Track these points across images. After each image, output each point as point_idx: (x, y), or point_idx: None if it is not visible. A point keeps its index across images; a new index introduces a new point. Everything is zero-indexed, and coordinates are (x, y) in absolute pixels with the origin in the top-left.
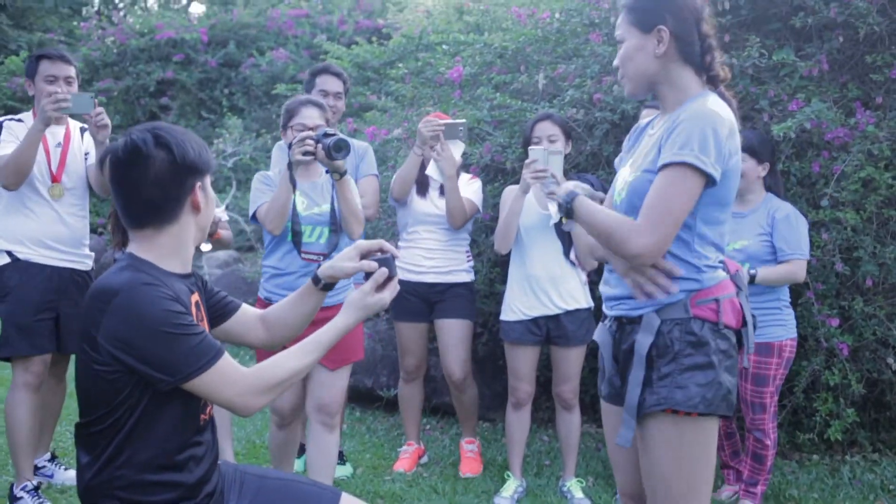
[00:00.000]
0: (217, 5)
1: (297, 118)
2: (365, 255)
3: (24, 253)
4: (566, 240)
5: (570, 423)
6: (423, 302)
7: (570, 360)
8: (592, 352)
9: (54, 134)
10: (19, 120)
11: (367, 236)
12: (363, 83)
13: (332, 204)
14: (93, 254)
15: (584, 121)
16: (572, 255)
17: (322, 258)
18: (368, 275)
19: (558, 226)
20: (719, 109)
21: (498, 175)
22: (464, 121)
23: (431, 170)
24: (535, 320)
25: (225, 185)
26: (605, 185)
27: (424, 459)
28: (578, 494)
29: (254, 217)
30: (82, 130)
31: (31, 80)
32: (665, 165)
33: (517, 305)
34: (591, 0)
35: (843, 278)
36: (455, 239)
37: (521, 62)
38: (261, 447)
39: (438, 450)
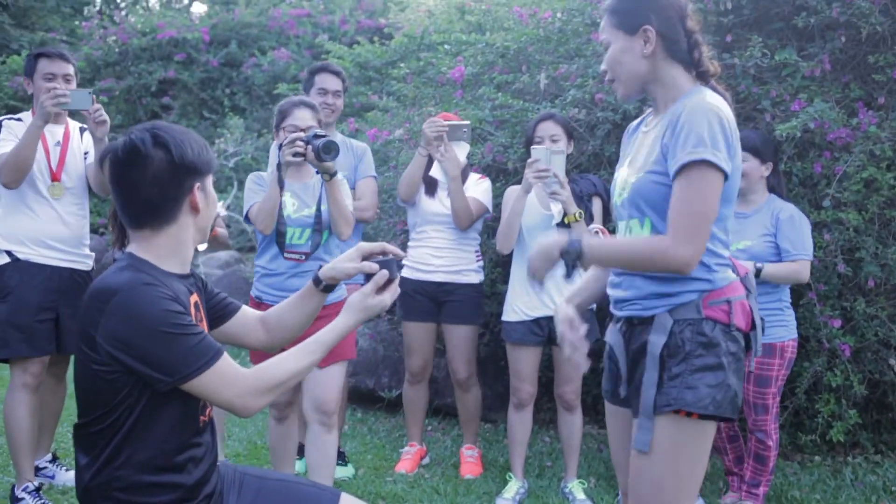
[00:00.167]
0: (219, 5)
1: (290, 119)
2: (367, 257)
3: (24, 253)
4: None
5: (572, 424)
6: (431, 301)
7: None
8: (595, 352)
9: (53, 133)
10: (18, 119)
11: (368, 237)
12: (365, 83)
13: (319, 205)
14: (93, 254)
15: (585, 121)
16: None
17: (304, 257)
18: (370, 277)
19: (560, 226)
20: (718, 103)
21: (499, 175)
22: (468, 122)
23: (436, 171)
24: (536, 321)
25: (226, 185)
26: (607, 186)
27: (426, 460)
28: (580, 496)
29: (247, 217)
30: (81, 130)
31: (30, 79)
32: (683, 167)
33: (519, 306)
34: (593, 0)
35: (845, 279)
36: (464, 238)
37: (523, 62)
38: (262, 448)
39: (440, 451)
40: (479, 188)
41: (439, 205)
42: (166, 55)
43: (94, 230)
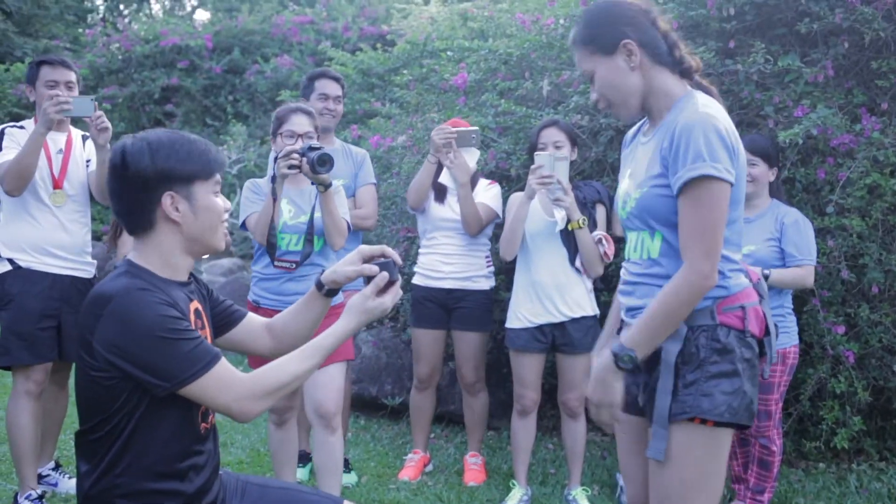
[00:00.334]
0: (222, 12)
1: (287, 125)
2: (367, 260)
3: (25, 260)
4: (572, 247)
5: (576, 431)
6: (440, 308)
7: (576, 368)
8: None
9: (56, 140)
10: (21, 127)
11: (370, 244)
12: (367, 90)
13: (312, 214)
14: (95, 261)
15: (588, 127)
16: (578, 263)
17: (294, 265)
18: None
19: (564, 233)
20: (711, 110)
21: (503, 182)
22: (476, 128)
23: (445, 178)
24: (540, 328)
25: (229, 191)
26: (610, 193)
27: (429, 468)
28: (584, 503)
29: (243, 225)
30: (84, 138)
31: (32, 86)
32: (685, 185)
33: (523, 313)
34: None
35: (848, 285)
36: (474, 244)
37: (526, 68)
38: (265, 455)
39: (443, 458)
40: (488, 194)
41: (449, 210)
42: (169, 62)
43: (97, 237)
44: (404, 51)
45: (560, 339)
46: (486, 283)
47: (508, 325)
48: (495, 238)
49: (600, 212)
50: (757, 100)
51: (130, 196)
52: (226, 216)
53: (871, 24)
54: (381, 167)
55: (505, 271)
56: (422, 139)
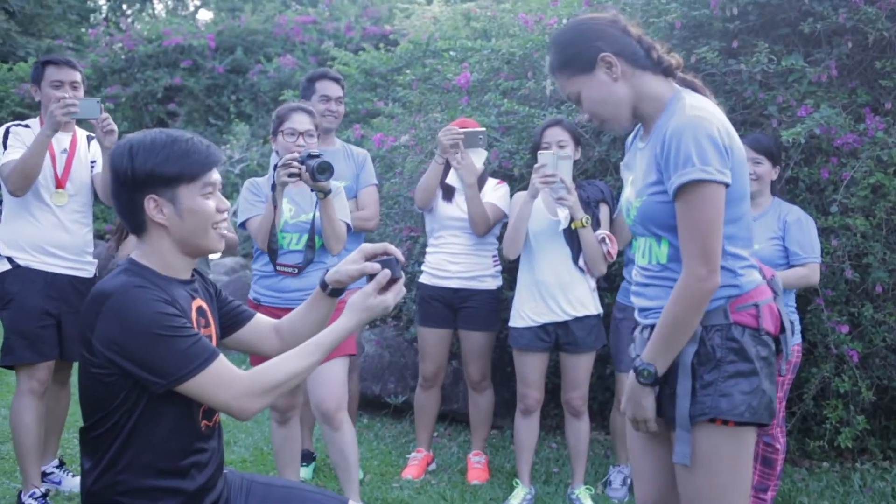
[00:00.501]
0: (224, 11)
1: (288, 123)
2: (369, 258)
3: (24, 259)
4: (575, 246)
5: (579, 430)
6: (447, 308)
7: (580, 367)
8: (601, 358)
9: (60, 140)
10: (26, 126)
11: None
12: (370, 89)
13: (314, 219)
14: (96, 261)
15: (591, 126)
16: (581, 262)
17: (296, 270)
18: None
19: (567, 232)
20: (699, 111)
21: (505, 181)
22: (483, 129)
23: (452, 178)
24: (543, 327)
25: (232, 191)
26: (613, 192)
27: (432, 467)
28: (587, 502)
29: (242, 225)
30: (89, 139)
31: (38, 86)
32: (678, 191)
33: (526, 312)
34: (599, 6)
35: (852, 285)
36: (481, 243)
37: (529, 68)
38: (268, 454)
39: (446, 457)
40: (496, 194)
41: (457, 209)
42: (172, 62)
43: (100, 236)
44: (407, 50)
45: (563, 339)
46: (493, 283)
47: (512, 324)
48: (502, 238)
49: (603, 211)
50: (760, 99)
51: (121, 198)
52: (221, 217)
53: (875, 24)
54: (383, 167)
55: (508, 270)
56: (425, 139)
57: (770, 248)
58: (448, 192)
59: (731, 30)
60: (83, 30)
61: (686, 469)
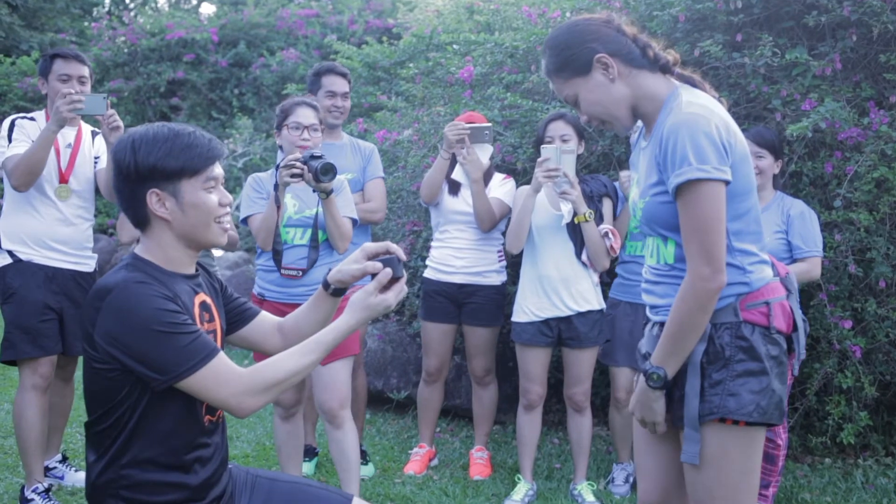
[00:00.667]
0: (227, 5)
1: (293, 117)
2: (371, 257)
3: (25, 253)
4: (578, 240)
5: (581, 425)
6: (451, 303)
7: (582, 362)
8: (603, 353)
9: (65, 135)
10: (31, 119)
11: (376, 238)
12: (373, 83)
13: (317, 215)
14: (96, 255)
15: None
16: (584, 257)
17: (301, 273)
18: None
19: (570, 226)
20: (696, 108)
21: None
22: (489, 124)
23: (458, 174)
24: (546, 322)
25: (235, 185)
26: (616, 187)
27: (435, 462)
28: (589, 497)
29: (244, 221)
30: (94, 134)
31: (45, 79)
32: (676, 191)
33: (529, 307)
34: (602, 0)
35: (855, 280)
36: (486, 238)
37: (532, 62)
38: (270, 449)
39: (449, 452)
40: (503, 189)
41: (463, 203)
42: (175, 56)
43: (103, 231)
44: (410, 44)
45: (566, 333)
46: (498, 279)
47: (514, 318)
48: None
49: (607, 205)
50: (764, 93)
51: (123, 192)
52: (223, 211)
53: (880, 17)
54: (387, 161)
55: (511, 265)
56: (428, 133)
57: (774, 242)
58: (454, 187)
59: (735, 23)
60: (86, 23)
61: (694, 468)
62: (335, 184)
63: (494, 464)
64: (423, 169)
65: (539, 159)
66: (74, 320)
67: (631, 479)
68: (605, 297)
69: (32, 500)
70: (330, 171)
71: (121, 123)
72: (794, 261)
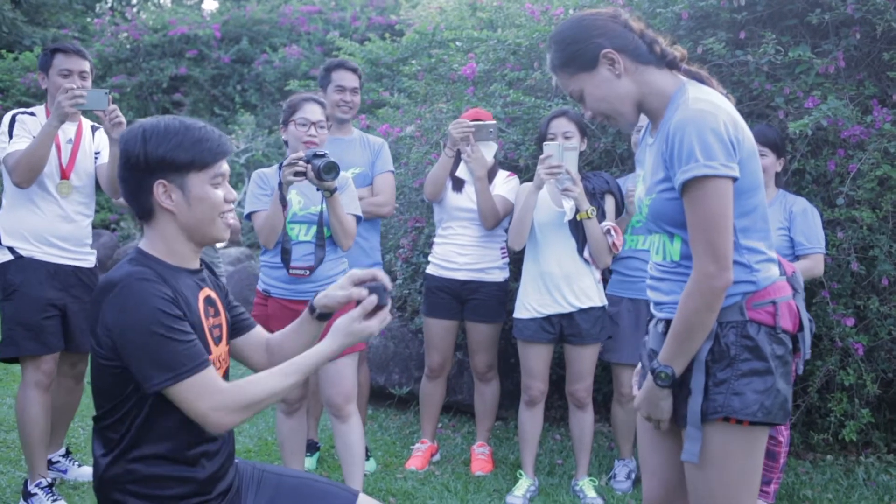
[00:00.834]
0: (230, 1)
1: (300, 112)
2: (358, 284)
3: (26, 250)
4: (580, 237)
5: (583, 421)
6: (454, 299)
7: (584, 359)
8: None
9: (65, 131)
10: (32, 114)
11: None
12: (376, 80)
13: (322, 213)
14: (95, 251)
15: None
16: (586, 253)
17: (308, 272)
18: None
19: (572, 223)
20: (703, 104)
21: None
22: (494, 122)
23: (462, 171)
24: (548, 318)
25: (237, 181)
26: (619, 184)
27: (436, 458)
28: (591, 494)
29: (248, 216)
30: (94, 129)
31: (45, 74)
32: (683, 188)
33: (531, 303)
34: None
35: (858, 277)
36: (489, 235)
37: (535, 59)
38: (272, 444)
39: (450, 448)
40: (507, 186)
41: (466, 200)
42: (178, 52)
43: (105, 226)
44: (413, 41)
45: (568, 330)
46: (500, 275)
47: (516, 315)
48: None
49: (609, 202)
50: (767, 91)
51: (130, 182)
52: (228, 207)
53: (884, 15)
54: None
55: (513, 261)
56: (430, 129)
57: (776, 239)
58: (458, 183)
59: (738, 20)
60: (88, 19)
61: (695, 467)
62: (339, 181)
63: (496, 460)
64: (426, 165)
65: (541, 156)
66: (79, 316)
67: (633, 476)
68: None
69: (35, 494)
70: (333, 169)
71: (123, 119)
72: (796, 258)
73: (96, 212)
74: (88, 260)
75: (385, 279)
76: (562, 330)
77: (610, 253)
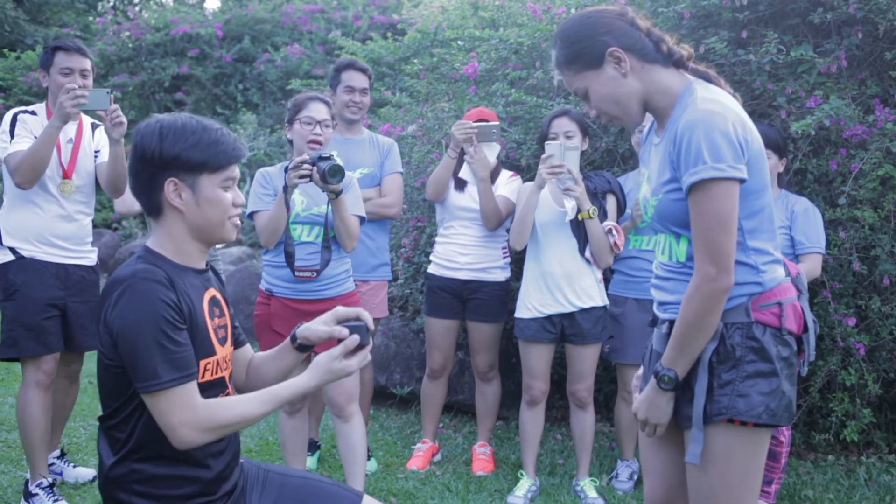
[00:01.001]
0: (232, 0)
1: (305, 111)
2: (342, 322)
3: (27, 250)
4: (582, 237)
5: (584, 421)
6: (455, 299)
7: (585, 359)
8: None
9: (66, 130)
10: (33, 112)
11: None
12: (378, 79)
13: (327, 216)
14: (96, 249)
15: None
16: (587, 253)
17: (315, 274)
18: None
19: (574, 223)
20: (712, 104)
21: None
22: (497, 123)
23: (465, 173)
24: (549, 318)
25: (238, 180)
26: (620, 183)
27: (438, 458)
28: (592, 494)
29: (250, 215)
30: (94, 126)
31: (46, 72)
32: (690, 189)
33: (532, 303)
34: None
35: (860, 277)
36: (491, 235)
37: (537, 58)
38: (273, 444)
39: (452, 448)
40: (510, 187)
41: (469, 199)
42: (180, 51)
43: (107, 225)
44: (415, 40)
45: (569, 330)
46: (502, 275)
47: (518, 314)
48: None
49: (610, 202)
50: (769, 90)
51: (141, 176)
52: (236, 211)
53: (886, 15)
54: None
55: (514, 261)
56: (432, 129)
57: (779, 239)
58: (461, 183)
59: (740, 20)
60: (91, 18)
61: (698, 468)
62: (344, 182)
63: (497, 459)
64: (428, 165)
65: (543, 156)
66: (78, 314)
67: (635, 477)
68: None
69: (37, 494)
70: (338, 172)
71: (124, 119)
72: (796, 256)
73: (98, 211)
74: (90, 258)
75: (368, 319)
76: (563, 329)
77: (611, 253)
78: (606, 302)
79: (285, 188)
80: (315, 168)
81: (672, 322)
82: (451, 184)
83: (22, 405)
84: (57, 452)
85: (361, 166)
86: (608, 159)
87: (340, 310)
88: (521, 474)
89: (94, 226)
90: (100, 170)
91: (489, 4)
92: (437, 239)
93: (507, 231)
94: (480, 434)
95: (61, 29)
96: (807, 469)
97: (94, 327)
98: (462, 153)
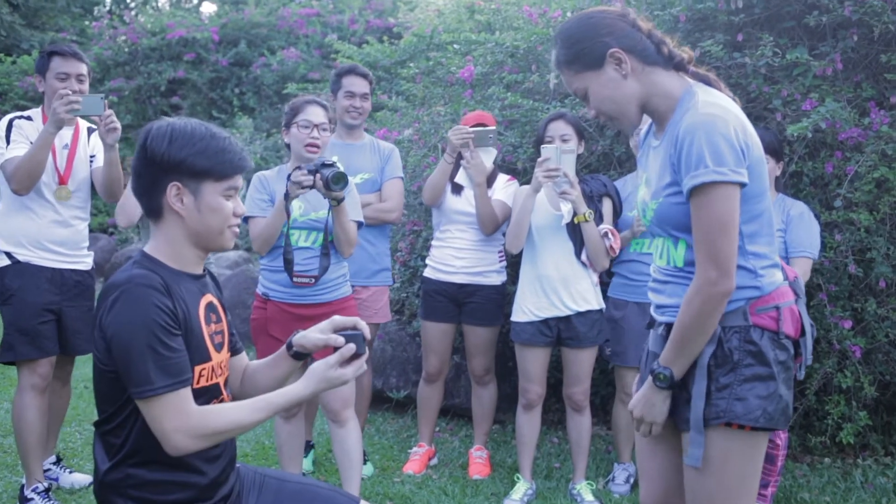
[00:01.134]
0: (228, 4)
1: (303, 115)
2: (338, 330)
3: (23, 255)
4: (578, 240)
5: (581, 425)
6: (451, 303)
7: (582, 362)
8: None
9: (61, 136)
10: (28, 118)
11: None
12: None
13: (327, 222)
14: (92, 253)
15: (595, 121)
16: (584, 256)
17: (313, 280)
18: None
19: (570, 226)
20: (713, 108)
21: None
22: (493, 127)
23: (461, 177)
24: (545, 321)
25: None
26: (616, 187)
27: (434, 461)
28: (588, 497)
29: (246, 220)
30: (90, 131)
31: (42, 77)
32: (690, 193)
33: (528, 306)
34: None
35: (855, 280)
36: (487, 239)
37: (533, 61)
38: (269, 448)
39: (448, 452)
40: (506, 191)
41: (465, 203)
42: (176, 55)
43: (103, 230)
44: (411, 43)
45: (565, 333)
46: (498, 279)
47: (514, 318)
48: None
49: (606, 205)
50: (765, 93)
51: (145, 177)
52: (236, 221)
53: (881, 18)
54: None
55: (510, 265)
56: (428, 132)
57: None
58: (457, 187)
59: (735, 23)
60: (87, 22)
61: (696, 471)
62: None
63: (494, 463)
64: (424, 168)
65: (539, 159)
66: (73, 319)
67: (631, 480)
68: (604, 296)
69: (32, 499)
70: (342, 180)
71: (118, 124)
72: (787, 259)
73: (94, 215)
74: (85, 262)
75: (365, 329)
76: (559, 333)
77: (607, 256)
78: (602, 305)
79: (286, 196)
80: (318, 175)
81: (669, 325)
82: (448, 188)
83: (17, 409)
84: (53, 458)
85: (362, 171)
86: (604, 162)
87: (337, 318)
88: (518, 478)
89: (90, 230)
90: (95, 175)
91: (485, 8)
92: (433, 243)
93: (504, 235)
94: (477, 438)
95: (57, 33)
96: (803, 472)
97: (89, 331)
98: (459, 157)
